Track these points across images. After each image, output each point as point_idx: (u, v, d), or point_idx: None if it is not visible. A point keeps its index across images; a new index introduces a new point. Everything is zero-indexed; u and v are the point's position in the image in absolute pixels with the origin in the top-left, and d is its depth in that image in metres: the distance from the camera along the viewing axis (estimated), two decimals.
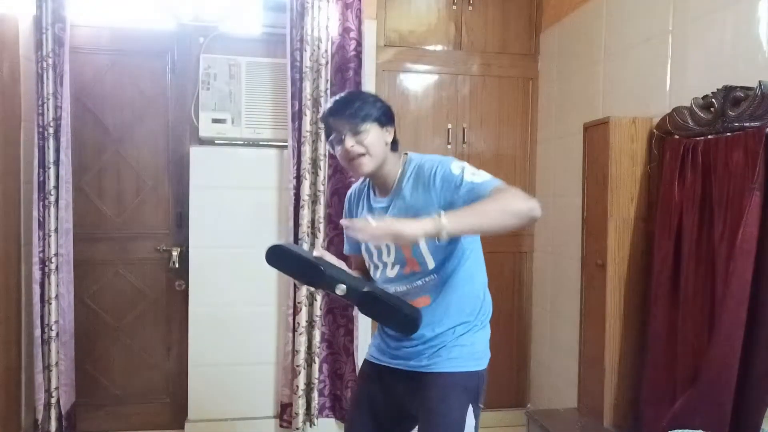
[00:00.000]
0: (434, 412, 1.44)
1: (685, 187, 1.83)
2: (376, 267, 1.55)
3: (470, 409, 1.46)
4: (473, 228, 1.31)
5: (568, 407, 2.27)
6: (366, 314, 1.48)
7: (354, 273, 1.55)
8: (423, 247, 1.44)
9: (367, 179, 1.58)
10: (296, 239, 2.55)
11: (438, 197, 1.40)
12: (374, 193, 1.56)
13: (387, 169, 1.49)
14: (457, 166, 1.40)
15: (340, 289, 1.35)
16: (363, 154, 1.43)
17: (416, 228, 1.21)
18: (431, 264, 1.46)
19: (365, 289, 1.38)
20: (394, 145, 1.51)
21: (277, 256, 1.35)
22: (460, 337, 1.50)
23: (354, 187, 1.67)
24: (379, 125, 1.45)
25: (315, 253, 1.41)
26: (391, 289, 1.52)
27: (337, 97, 1.49)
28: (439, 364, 1.48)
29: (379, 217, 1.45)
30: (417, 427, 1.53)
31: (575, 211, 2.31)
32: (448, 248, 1.45)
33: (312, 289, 1.33)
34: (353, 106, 1.43)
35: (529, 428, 2.30)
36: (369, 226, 1.22)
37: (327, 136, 1.51)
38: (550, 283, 2.85)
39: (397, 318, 1.42)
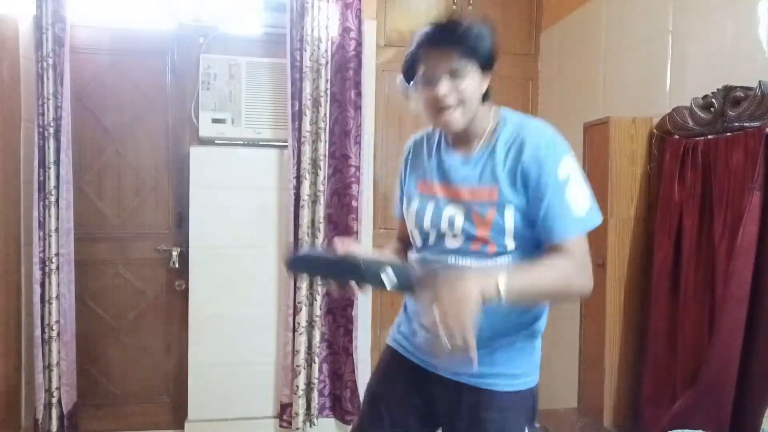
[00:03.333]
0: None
1: (685, 187, 1.83)
2: (426, 235, 1.25)
3: (527, 429, 1.27)
4: (523, 300, 1.11)
5: (568, 407, 2.27)
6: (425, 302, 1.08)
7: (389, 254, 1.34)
8: (509, 223, 1.15)
9: (438, 131, 1.31)
10: (296, 239, 2.55)
11: (519, 181, 1.15)
12: (447, 145, 1.27)
13: (474, 124, 1.21)
14: (564, 169, 1.15)
15: (387, 276, 1.05)
16: (456, 106, 1.15)
17: (473, 303, 0.96)
18: (511, 246, 1.17)
19: (421, 272, 1.10)
20: (486, 95, 1.23)
21: (301, 263, 1.26)
22: (524, 341, 1.27)
23: (415, 136, 1.38)
24: (482, 70, 1.17)
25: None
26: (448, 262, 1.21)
27: (438, 21, 1.17)
28: (497, 379, 1.23)
29: (455, 171, 1.21)
30: None
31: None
32: (536, 239, 1.18)
33: (355, 289, 1.13)
34: (460, 32, 1.15)
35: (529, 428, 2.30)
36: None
37: (408, 70, 1.21)
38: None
39: None
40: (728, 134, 1.66)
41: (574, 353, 2.27)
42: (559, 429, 2.10)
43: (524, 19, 2.96)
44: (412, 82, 1.21)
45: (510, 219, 1.15)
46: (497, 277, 1.03)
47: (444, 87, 1.14)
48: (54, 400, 2.42)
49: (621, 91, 2.27)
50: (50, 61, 2.34)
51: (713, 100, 1.71)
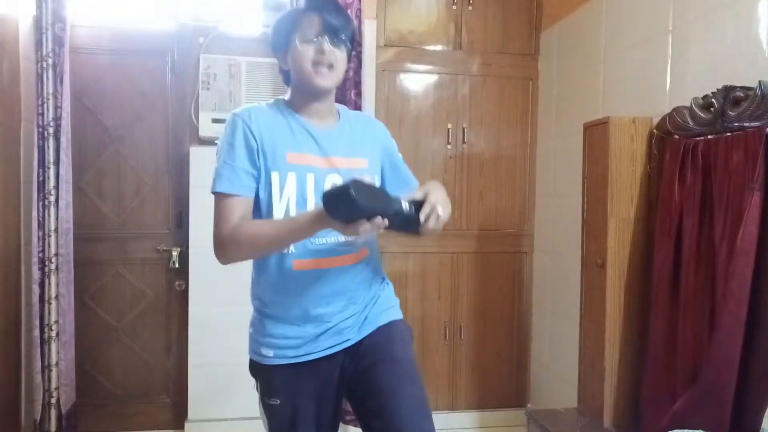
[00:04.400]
0: (404, 361, 1.35)
1: (685, 187, 1.83)
2: (303, 207, 1.30)
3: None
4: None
5: (568, 407, 2.27)
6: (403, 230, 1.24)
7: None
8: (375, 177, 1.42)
9: (277, 103, 1.37)
10: None
11: (379, 154, 1.44)
12: (302, 118, 1.35)
13: (330, 99, 1.39)
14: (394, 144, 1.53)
15: (404, 204, 1.19)
16: (332, 66, 1.31)
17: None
18: None
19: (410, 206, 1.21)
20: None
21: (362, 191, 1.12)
22: (387, 288, 1.50)
23: (250, 109, 1.33)
24: (348, 52, 1.36)
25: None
26: (323, 240, 1.31)
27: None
28: (389, 312, 1.43)
29: (324, 143, 1.34)
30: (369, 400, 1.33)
31: (575, 211, 2.31)
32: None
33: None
34: (344, 14, 1.34)
35: (529, 428, 2.30)
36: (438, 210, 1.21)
37: (287, 34, 1.31)
38: (550, 283, 2.85)
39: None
40: (728, 134, 1.66)
41: (574, 353, 2.27)
42: (559, 429, 2.10)
43: (524, 19, 2.96)
44: (290, 41, 1.32)
45: (376, 182, 1.41)
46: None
47: (328, 46, 1.29)
48: (53, 400, 2.42)
49: (621, 91, 2.27)
50: (50, 61, 2.34)
51: (713, 100, 1.71)
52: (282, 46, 1.35)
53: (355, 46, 1.42)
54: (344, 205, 1.09)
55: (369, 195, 1.12)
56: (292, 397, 1.39)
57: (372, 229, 1.12)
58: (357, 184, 1.09)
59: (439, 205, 1.21)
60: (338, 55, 1.31)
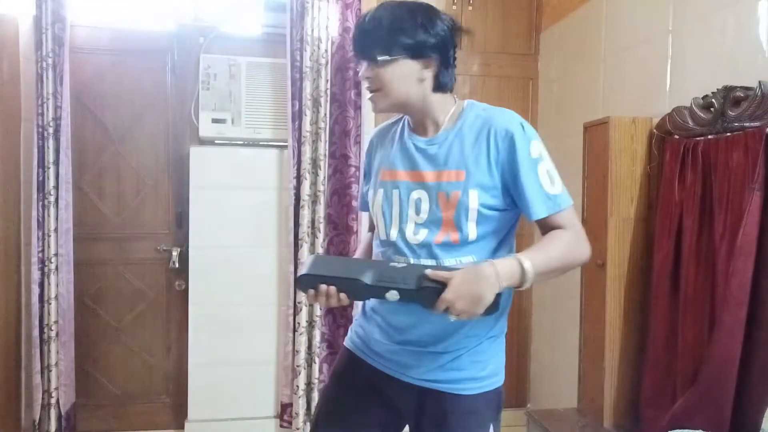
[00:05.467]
0: None
1: (685, 187, 1.82)
2: (389, 226, 1.24)
3: (491, 429, 1.27)
4: (544, 277, 1.15)
5: (568, 407, 2.27)
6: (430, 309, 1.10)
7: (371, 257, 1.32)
8: (472, 204, 1.16)
9: (404, 116, 1.32)
10: (296, 239, 2.55)
11: (489, 163, 1.17)
12: (410, 131, 1.29)
13: (427, 109, 1.23)
14: (536, 148, 1.18)
15: (392, 295, 1.10)
16: (378, 89, 1.20)
17: (493, 284, 1.04)
18: (473, 234, 1.18)
19: (425, 284, 1.07)
20: (441, 84, 1.23)
21: (312, 281, 1.14)
22: (489, 343, 1.26)
23: (380, 127, 1.40)
24: (412, 57, 1.17)
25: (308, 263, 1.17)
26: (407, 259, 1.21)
27: (370, 12, 1.21)
28: (463, 384, 1.22)
29: (418, 155, 1.23)
30: None
31: (575, 211, 2.31)
32: (496, 219, 1.20)
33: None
34: (379, 28, 1.17)
35: (529, 428, 2.30)
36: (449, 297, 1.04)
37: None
38: (550, 283, 2.85)
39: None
40: (728, 134, 1.66)
41: (574, 353, 2.27)
42: (559, 429, 2.10)
43: (524, 19, 2.96)
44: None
45: (474, 199, 1.17)
46: (519, 260, 1.08)
47: (364, 72, 1.21)
48: (53, 401, 2.42)
49: (621, 91, 2.27)
50: (50, 60, 2.34)
51: (713, 100, 1.71)
52: None
53: (418, 40, 1.18)
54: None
55: (332, 267, 1.16)
56: (340, 386, 1.38)
57: (322, 298, 1.13)
58: (319, 258, 1.18)
59: (458, 303, 1.03)
60: (381, 73, 1.18)
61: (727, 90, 1.65)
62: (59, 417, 2.45)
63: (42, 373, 2.40)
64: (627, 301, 2.02)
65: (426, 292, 1.07)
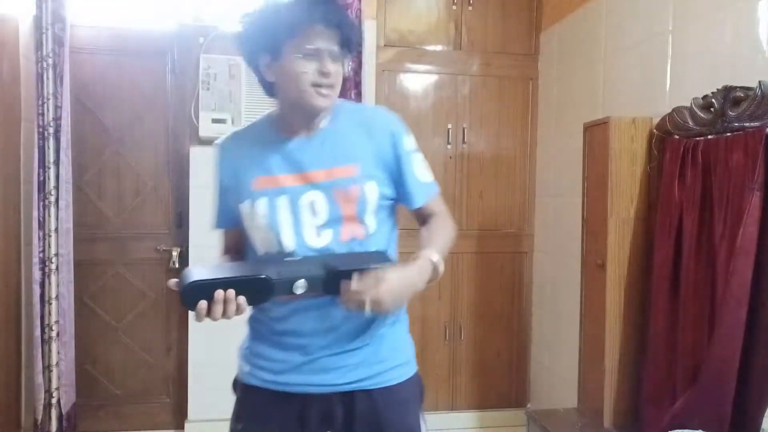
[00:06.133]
0: None
1: (685, 187, 1.82)
2: (282, 236, 1.15)
3: (421, 415, 1.26)
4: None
5: (568, 407, 2.27)
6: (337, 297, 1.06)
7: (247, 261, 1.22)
8: (371, 197, 1.16)
9: (263, 121, 1.26)
10: None
11: (376, 156, 1.18)
12: (279, 134, 1.21)
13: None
14: (409, 139, 1.22)
15: (299, 286, 1.04)
16: (333, 86, 1.14)
17: (419, 279, 1.09)
18: (373, 226, 1.18)
19: (338, 268, 1.04)
20: None
21: (203, 290, 1.01)
22: (399, 329, 1.25)
23: (227, 136, 1.31)
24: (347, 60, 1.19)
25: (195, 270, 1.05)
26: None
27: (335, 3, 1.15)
28: (389, 373, 1.21)
29: (301, 156, 1.17)
30: None
31: (575, 211, 2.31)
32: (387, 208, 1.22)
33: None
34: (349, 23, 1.15)
35: (529, 428, 2.30)
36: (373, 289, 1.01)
37: (283, 36, 1.09)
38: (550, 283, 2.85)
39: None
40: (728, 134, 1.66)
41: (574, 353, 2.27)
42: (559, 429, 2.10)
43: (524, 19, 2.96)
44: (281, 50, 1.10)
45: (373, 193, 1.17)
46: (430, 257, 1.13)
47: (331, 66, 1.11)
48: (53, 401, 2.42)
49: (621, 91, 2.27)
50: (50, 61, 2.34)
51: (713, 100, 1.71)
52: (266, 50, 1.13)
53: (358, 42, 1.28)
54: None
55: (221, 271, 1.05)
56: (258, 427, 1.22)
57: (218, 307, 1.01)
58: (197, 267, 1.07)
59: (386, 297, 1.01)
60: (340, 72, 1.14)
61: (727, 90, 1.65)
62: (60, 417, 2.45)
63: (43, 372, 2.40)
64: (627, 301, 2.02)
65: (334, 279, 1.04)
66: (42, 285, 2.39)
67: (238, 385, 1.27)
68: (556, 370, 2.76)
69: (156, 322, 2.76)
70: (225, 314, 1.02)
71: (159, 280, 2.74)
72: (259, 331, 1.25)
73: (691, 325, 1.76)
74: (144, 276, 2.74)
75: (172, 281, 1.03)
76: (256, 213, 1.17)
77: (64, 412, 2.46)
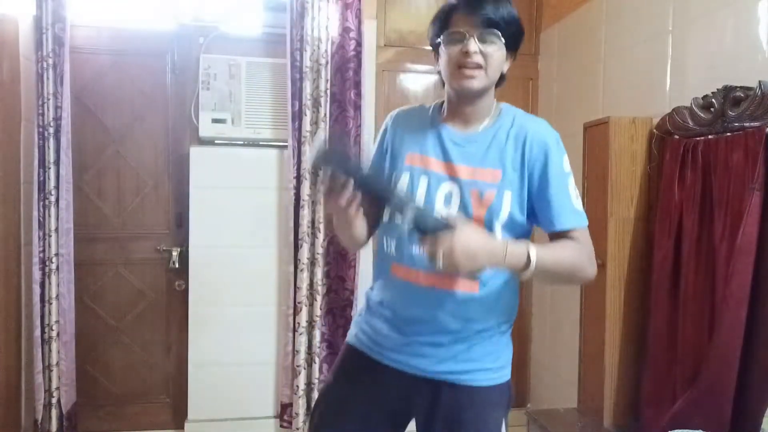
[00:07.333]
0: None
1: (685, 187, 1.82)
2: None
3: (504, 423, 1.29)
4: (544, 276, 1.15)
5: (568, 407, 2.27)
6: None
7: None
8: (505, 206, 1.17)
9: (433, 105, 1.34)
10: (296, 239, 2.55)
11: (521, 171, 1.18)
12: (444, 121, 1.28)
13: (483, 102, 1.24)
14: (567, 163, 1.21)
15: (409, 209, 1.08)
16: (480, 67, 1.17)
17: (501, 253, 1.06)
18: (498, 236, 1.18)
19: (437, 216, 1.09)
20: (502, 80, 1.28)
21: (334, 158, 1.08)
22: (500, 335, 1.27)
23: (400, 109, 1.37)
24: (508, 47, 1.22)
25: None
26: (420, 261, 1.18)
27: None
28: (476, 374, 1.23)
29: (454, 148, 1.21)
30: None
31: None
32: (519, 227, 1.20)
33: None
34: (506, 7, 1.19)
35: (529, 428, 2.30)
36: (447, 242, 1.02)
37: (437, 33, 1.20)
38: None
39: None
40: (728, 134, 1.66)
41: (574, 353, 2.27)
42: (559, 429, 2.10)
43: (524, 19, 2.90)
44: (439, 40, 1.21)
45: (507, 203, 1.18)
46: (528, 247, 1.09)
47: (473, 45, 1.15)
48: (54, 401, 2.42)
49: (621, 91, 2.27)
50: (50, 61, 2.34)
51: (713, 100, 1.71)
52: (433, 45, 1.25)
53: (520, 38, 1.27)
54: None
55: (348, 163, 1.09)
56: (347, 383, 1.33)
57: (325, 188, 1.07)
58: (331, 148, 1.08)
59: (457, 248, 1.02)
60: (490, 53, 1.17)
61: (727, 90, 1.65)
62: (60, 417, 2.45)
63: (43, 372, 2.41)
64: (627, 301, 2.02)
65: (433, 222, 1.07)
66: (42, 285, 2.39)
67: (344, 344, 1.38)
68: (556, 370, 2.76)
69: (156, 322, 2.76)
70: (341, 196, 1.08)
71: (159, 280, 2.74)
72: (370, 306, 1.33)
73: (691, 325, 1.76)
74: (144, 276, 2.74)
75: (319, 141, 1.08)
76: (399, 183, 1.24)
77: (64, 411, 2.46)
